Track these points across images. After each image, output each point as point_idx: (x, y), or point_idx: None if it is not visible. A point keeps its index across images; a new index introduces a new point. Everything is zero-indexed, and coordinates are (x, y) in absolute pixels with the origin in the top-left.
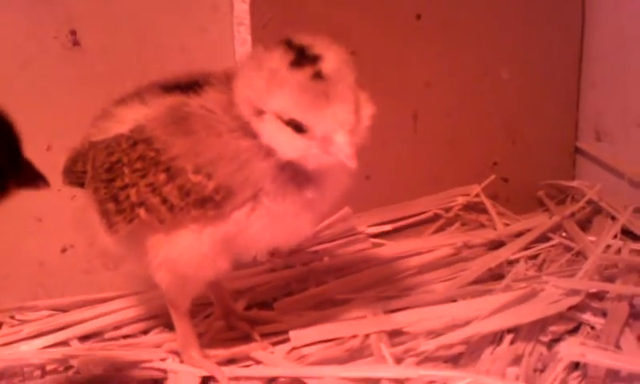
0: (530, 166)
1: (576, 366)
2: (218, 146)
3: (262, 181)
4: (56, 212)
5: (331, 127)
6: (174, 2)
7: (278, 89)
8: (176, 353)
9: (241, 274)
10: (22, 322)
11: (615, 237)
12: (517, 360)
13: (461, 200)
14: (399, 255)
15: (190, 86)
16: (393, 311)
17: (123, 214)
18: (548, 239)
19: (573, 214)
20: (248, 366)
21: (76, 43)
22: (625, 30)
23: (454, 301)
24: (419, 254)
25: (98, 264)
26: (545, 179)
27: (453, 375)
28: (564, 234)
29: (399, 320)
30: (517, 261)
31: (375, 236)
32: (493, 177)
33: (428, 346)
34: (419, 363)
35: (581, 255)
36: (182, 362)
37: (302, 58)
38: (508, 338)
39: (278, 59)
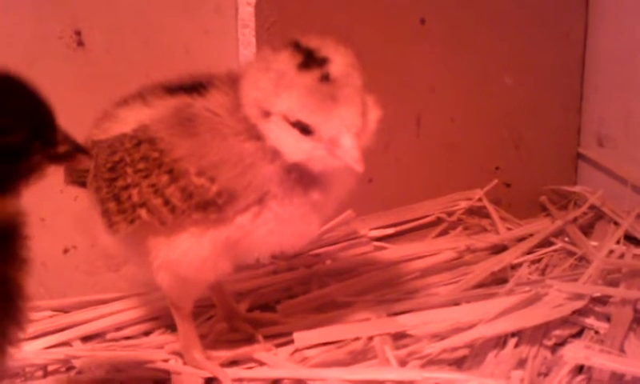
0: (533, 171)
1: (580, 369)
2: (222, 149)
3: (268, 184)
4: (58, 212)
5: (338, 130)
6: (179, 3)
7: (286, 90)
8: (179, 354)
9: (243, 276)
10: None
11: (618, 242)
12: (521, 363)
13: (463, 204)
14: (402, 258)
15: (193, 87)
16: (396, 314)
17: (124, 214)
18: (551, 244)
19: (575, 219)
20: (251, 367)
21: (80, 44)
22: (627, 35)
23: (458, 304)
24: (422, 257)
25: (100, 265)
26: (547, 184)
27: (457, 378)
28: (567, 239)
29: (403, 323)
30: (520, 265)
31: (378, 239)
32: (495, 181)
33: (432, 348)
34: (423, 366)
35: (584, 260)
36: (184, 363)
37: (310, 60)
38: (512, 341)
39: (286, 61)
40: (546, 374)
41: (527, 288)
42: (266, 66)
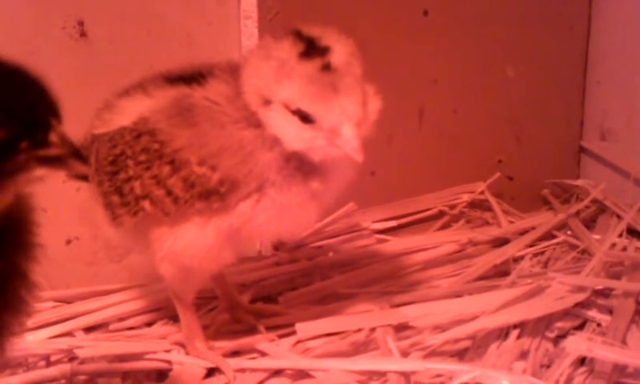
0: (535, 164)
1: (582, 361)
2: (222, 137)
3: (267, 172)
4: (61, 204)
5: (338, 119)
6: None
7: (287, 79)
8: (181, 345)
9: (246, 267)
10: None
11: (620, 235)
12: (523, 355)
13: (466, 197)
14: (404, 251)
15: (193, 77)
16: (398, 306)
17: (128, 206)
18: (553, 237)
19: (578, 213)
20: (253, 358)
21: (83, 34)
22: (630, 29)
23: (460, 296)
24: (424, 250)
25: (102, 256)
26: (549, 178)
27: (459, 369)
28: (569, 232)
29: (405, 314)
30: (522, 258)
31: (380, 232)
32: (498, 174)
33: (434, 340)
34: (425, 357)
35: (586, 253)
36: (187, 353)
37: (312, 49)
38: (514, 333)
39: (288, 49)
40: (548, 366)
41: (529, 280)
42: (268, 54)
